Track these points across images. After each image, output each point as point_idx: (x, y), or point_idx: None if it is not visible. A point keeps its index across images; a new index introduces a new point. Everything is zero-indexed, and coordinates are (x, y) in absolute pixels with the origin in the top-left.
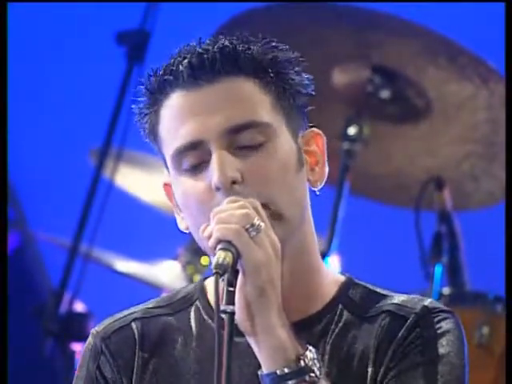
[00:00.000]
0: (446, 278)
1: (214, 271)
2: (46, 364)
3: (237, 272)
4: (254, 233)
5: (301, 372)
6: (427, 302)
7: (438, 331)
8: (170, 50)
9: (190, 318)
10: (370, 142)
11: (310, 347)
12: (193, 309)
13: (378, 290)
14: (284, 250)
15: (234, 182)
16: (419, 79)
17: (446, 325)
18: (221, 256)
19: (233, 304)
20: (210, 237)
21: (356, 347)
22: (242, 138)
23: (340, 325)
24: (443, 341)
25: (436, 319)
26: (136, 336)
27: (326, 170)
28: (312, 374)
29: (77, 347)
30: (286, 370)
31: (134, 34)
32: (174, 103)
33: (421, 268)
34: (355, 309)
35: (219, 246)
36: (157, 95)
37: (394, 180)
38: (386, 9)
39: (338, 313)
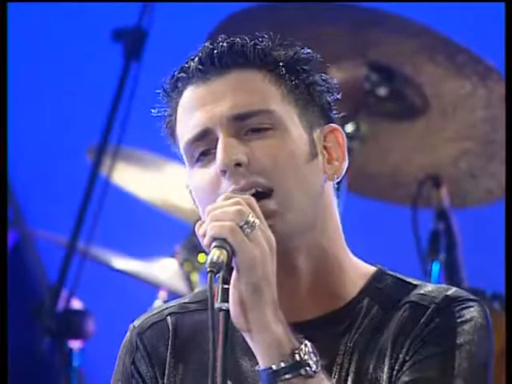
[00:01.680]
0: (444, 275)
1: (207, 269)
2: (43, 361)
3: (231, 269)
4: (249, 230)
5: (296, 366)
6: (451, 291)
7: (459, 320)
8: (166, 47)
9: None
10: (367, 140)
11: (306, 341)
12: None
13: (409, 279)
14: (294, 243)
15: (238, 165)
16: (417, 77)
17: (468, 314)
18: (215, 254)
19: (228, 301)
20: (204, 235)
21: (379, 341)
22: (249, 124)
23: (366, 320)
24: (464, 329)
25: (458, 308)
26: (170, 331)
27: (345, 164)
28: (308, 368)
29: (74, 344)
30: (282, 365)
31: (131, 32)
32: (185, 99)
33: (418, 265)
34: (383, 301)
35: (213, 244)
36: (172, 95)
37: (391, 177)
38: (384, 7)
39: (364, 307)
